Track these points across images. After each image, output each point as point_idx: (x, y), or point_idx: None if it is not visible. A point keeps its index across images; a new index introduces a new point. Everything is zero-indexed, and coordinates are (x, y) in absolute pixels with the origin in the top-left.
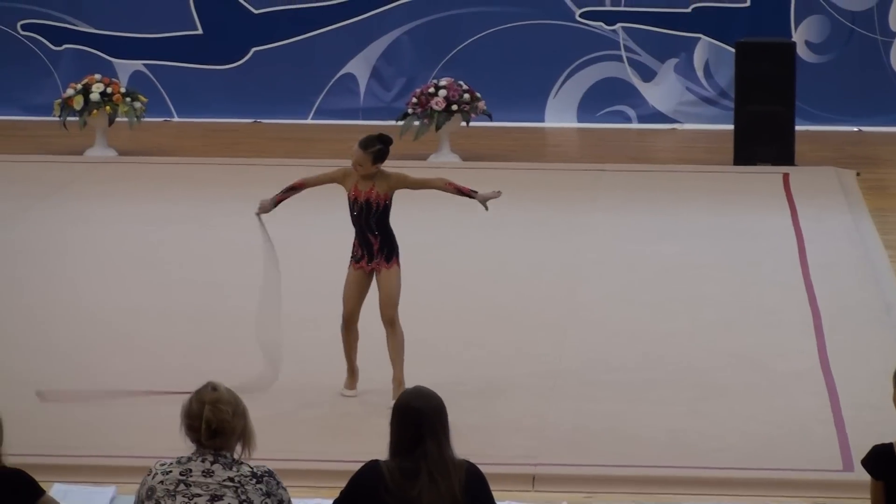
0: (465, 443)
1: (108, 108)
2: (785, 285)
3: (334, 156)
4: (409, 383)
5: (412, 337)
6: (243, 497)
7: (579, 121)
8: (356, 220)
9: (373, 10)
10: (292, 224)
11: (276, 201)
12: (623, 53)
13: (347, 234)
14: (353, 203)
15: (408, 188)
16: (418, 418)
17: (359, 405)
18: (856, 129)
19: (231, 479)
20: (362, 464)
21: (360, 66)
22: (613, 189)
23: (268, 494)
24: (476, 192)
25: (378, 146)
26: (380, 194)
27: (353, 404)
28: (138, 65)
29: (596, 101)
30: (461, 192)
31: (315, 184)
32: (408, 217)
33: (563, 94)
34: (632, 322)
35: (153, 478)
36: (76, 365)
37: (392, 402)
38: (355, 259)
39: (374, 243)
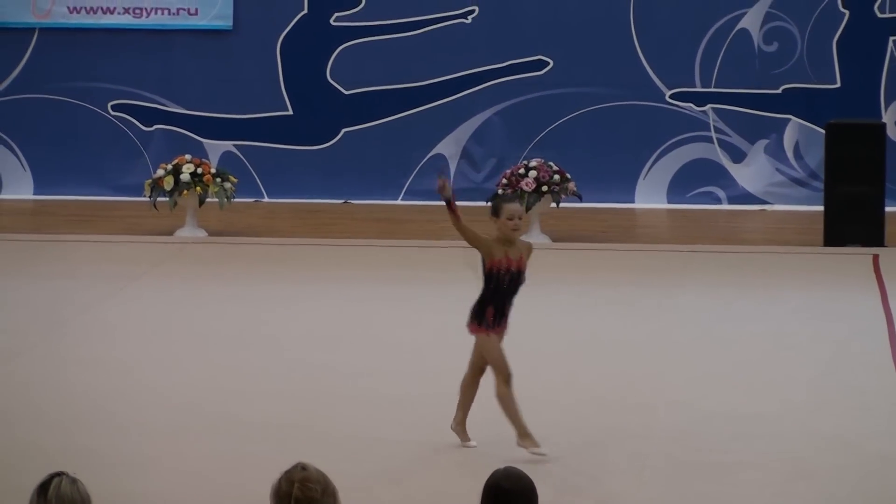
0: None
1: (198, 188)
2: (875, 366)
3: (425, 236)
4: (498, 463)
5: (497, 420)
6: None
7: (669, 202)
8: (502, 290)
9: (463, 90)
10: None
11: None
12: (713, 134)
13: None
14: (504, 272)
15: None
16: (507, 500)
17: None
18: None
19: None
20: None
21: (450, 147)
22: (704, 270)
23: None
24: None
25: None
26: (523, 261)
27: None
28: (228, 145)
29: (686, 181)
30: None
31: (465, 230)
32: None
33: (653, 175)
34: (722, 403)
35: None
36: (170, 446)
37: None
38: (489, 326)
39: (508, 311)
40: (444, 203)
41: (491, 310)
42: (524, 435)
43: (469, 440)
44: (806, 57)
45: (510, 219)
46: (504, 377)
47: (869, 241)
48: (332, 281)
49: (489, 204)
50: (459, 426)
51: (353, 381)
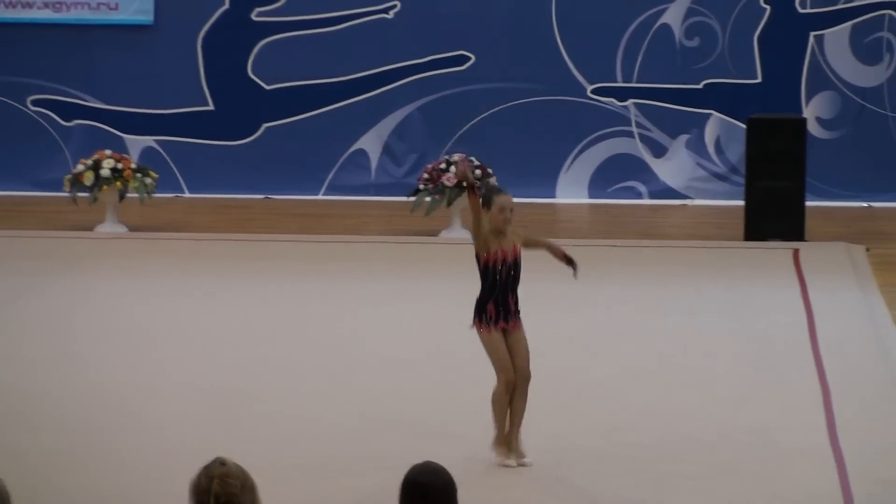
0: None
1: (118, 183)
2: (794, 360)
3: (345, 231)
4: (415, 460)
5: (411, 415)
6: None
7: (590, 196)
8: (500, 283)
9: (385, 85)
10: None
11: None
12: (634, 129)
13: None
14: (500, 265)
15: (524, 245)
16: (426, 495)
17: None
18: (865, 204)
19: None
20: None
21: (371, 142)
22: (624, 264)
23: None
24: (576, 263)
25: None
26: (518, 249)
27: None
28: (149, 141)
29: (607, 176)
30: (567, 260)
31: (477, 218)
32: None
33: (574, 170)
34: (642, 397)
35: None
36: (89, 442)
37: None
38: (492, 321)
39: (512, 303)
40: (466, 187)
41: (492, 305)
42: (500, 443)
43: (508, 459)
44: (727, 52)
45: (501, 210)
46: (503, 379)
47: (789, 236)
48: (252, 276)
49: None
50: (499, 446)
51: (274, 376)
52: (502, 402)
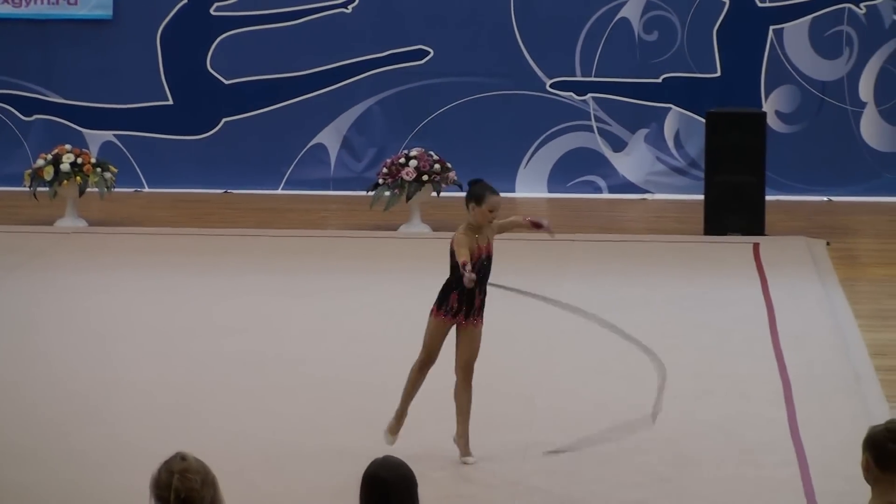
0: None
1: (78, 178)
2: (755, 355)
3: (304, 226)
4: (376, 454)
5: (372, 408)
6: None
7: (550, 191)
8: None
9: (343, 80)
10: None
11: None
12: (594, 124)
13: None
14: (476, 261)
15: (498, 232)
16: (385, 489)
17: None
18: (826, 198)
19: None
20: None
21: (330, 137)
22: (584, 259)
23: None
24: (545, 222)
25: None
26: (492, 246)
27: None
28: (109, 135)
29: (566, 171)
30: (535, 224)
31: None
32: (377, 289)
33: (533, 165)
34: (603, 391)
35: None
36: (49, 436)
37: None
38: (450, 312)
39: (478, 300)
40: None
41: (455, 296)
42: (395, 426)
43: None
44: (686, 46)
45: (491, 210)
46: (423, 357)
47: (749, 230)
48: (211, 271)
49: (462, 187)
50: (460, 439)
51: (233, 370)
52: (413, 379)
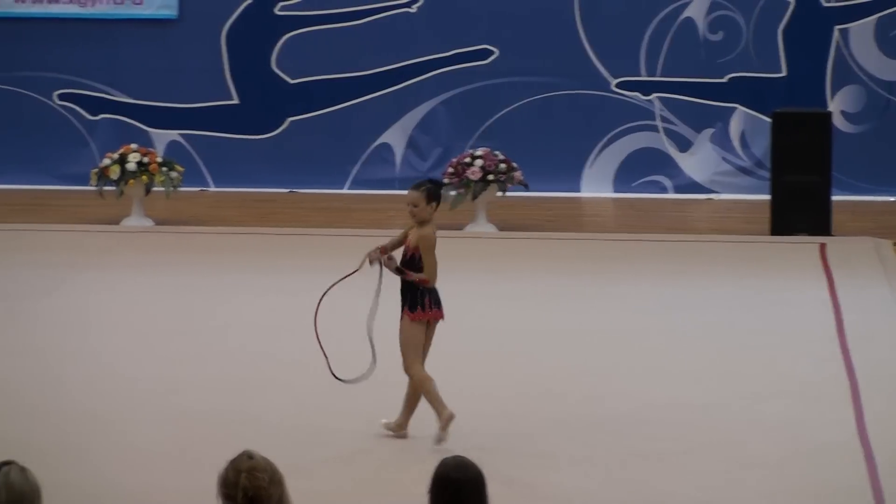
0: None
1: (144, 177)
2: (822, 356)
3: (370, 225)
4: (445, 455)
5: (450, 404)
6: None
7: (615, 191)
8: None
9: (409, 79)
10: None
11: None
12: (659, 123)
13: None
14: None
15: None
16: (457, 490)
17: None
18: (893, 198)
19: None
20: None
21: (396, 136)
22: (650, 259)
23: None
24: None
25: (427, 184)
26: (410, 244)
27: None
28: (174, 134)
29: (632, 171)
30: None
31: (393, 246)
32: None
33: (599, 164)
34: (668, 392)
35: None
36: (113, 435)
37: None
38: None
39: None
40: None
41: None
42: (402, 423)
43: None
44: (751, 46)
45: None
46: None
47: (816, 230)
48: (277, 270)
49: (427, 187)
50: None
51: (298, 370)
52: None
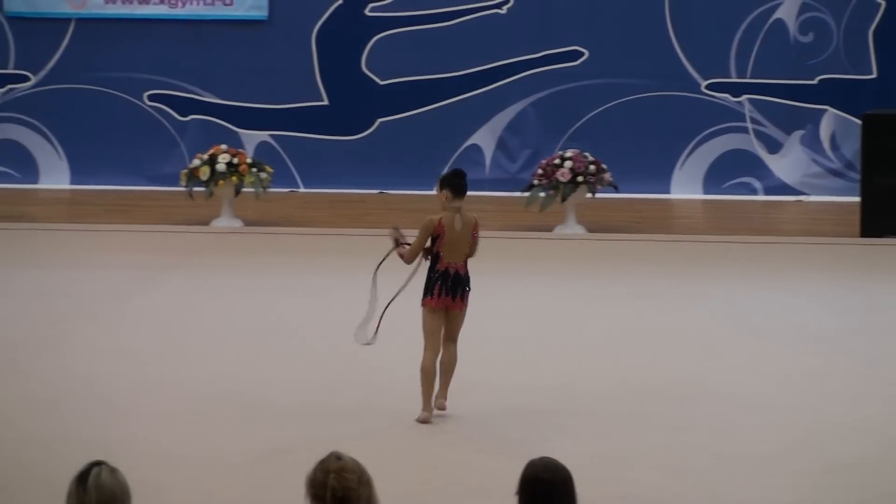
0: None
1: (234, 178)
2: None
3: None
4: (540, 455)
5: (540, 410)
6: None
7: (705, 192)
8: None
9: (498, 81)
10: None
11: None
12: (749, 125)
13: None
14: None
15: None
16: (548, 491)
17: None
18: None
19: None
20: None
21: (485, 138)
22: (739, 261)
23: None
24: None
25: (443, 174)
26: None
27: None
28: (264, 135)
29: (722, 172)
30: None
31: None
32: (532, 290)
33: (689, 166)
34: (758, 394)
35: None
36: (199, 435)
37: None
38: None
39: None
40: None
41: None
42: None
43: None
44: (842, 47)
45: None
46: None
47: None
48: (367, 271)
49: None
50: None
51: (388, 371)
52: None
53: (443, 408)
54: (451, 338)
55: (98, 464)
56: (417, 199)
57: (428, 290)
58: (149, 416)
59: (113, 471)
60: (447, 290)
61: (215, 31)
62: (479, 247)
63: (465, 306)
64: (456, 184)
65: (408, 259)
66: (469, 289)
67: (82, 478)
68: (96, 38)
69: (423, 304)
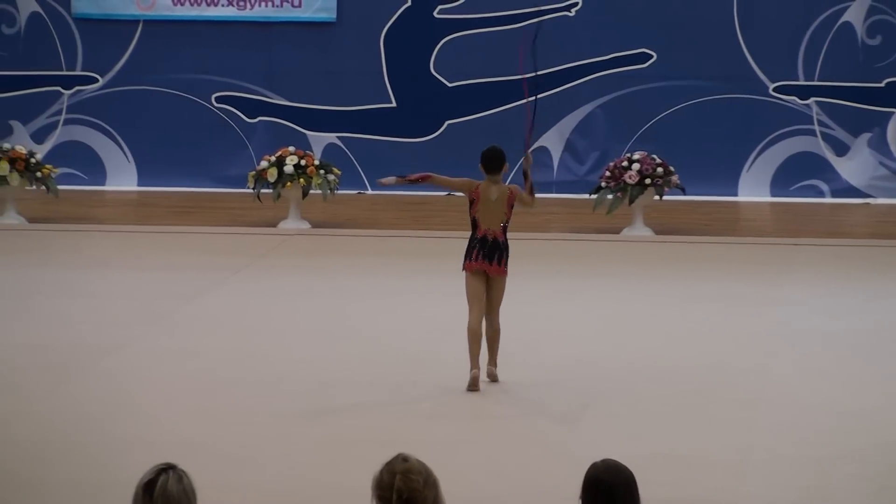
0: None
1: (301, 180)
2: None
3: (528, 228)
4: (599, 458)
5: (602, 411)
6: None
7: (772, 195)
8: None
9: (567, 83)
10: None
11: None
12: (816, 128)
13: None
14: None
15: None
16: (610, 493)
17: None
18: None
19: None
20: None
21: (553, 140)
22: (807, 263)
23: None
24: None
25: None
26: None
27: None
28: (332, 137)
29: (789, 175)
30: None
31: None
32: (600, 292)
33: (756, 168)
34: (824, 396)
35: None
36: (271, 435)
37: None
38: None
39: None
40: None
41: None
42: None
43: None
44: None
45: None
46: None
47: None
48: (434, 273)
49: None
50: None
51: (448, 370)
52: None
53: (493, 376)
54: (494, 307)
55: (166, 469)
56: None
57: (467, 254)
58: (216, 417)
59: (180, 477)
60: (484, 255)
61: (283, 33)
62: (535, 197)
63: (505, 273)
64: (486, 160)
65: (434, 180)
66: (507, 256)
67: (149, 486)
68: (164, 40)
69: (464, 269)
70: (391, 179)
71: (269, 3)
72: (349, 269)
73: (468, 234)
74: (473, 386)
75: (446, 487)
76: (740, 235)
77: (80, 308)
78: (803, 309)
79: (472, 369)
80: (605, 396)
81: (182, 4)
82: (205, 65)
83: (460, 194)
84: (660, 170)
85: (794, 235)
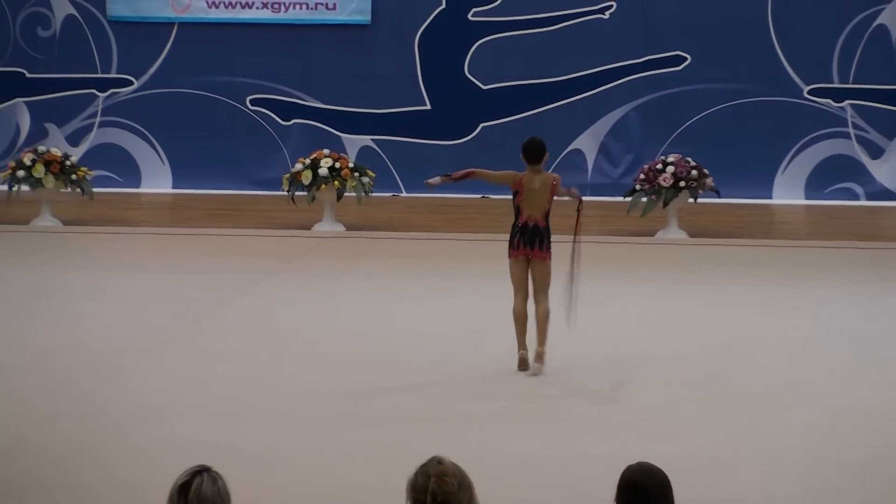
0: None
1: (336, 182)
2: None
3: (561, 231)
4: (636, 460)
5: (638, 411)
6: None
7: (807, 198)
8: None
9: (601, 86)
10: None
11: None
12: (851, 130)
13: None
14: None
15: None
16: (645, 495)
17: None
18: None
19: None
20: None
21: (587, 142)
22: (841, 266)
23: None
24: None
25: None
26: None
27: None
28: (366, 140)
29: (824, 178)
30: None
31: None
32: (634, 297)
33: (790, 171)
34: (859, 399)
35: None
36: (303, 438)
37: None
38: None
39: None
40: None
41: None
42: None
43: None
44: None
45: None
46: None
47: None
48: (469, 276)
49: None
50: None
51: (490, 376)
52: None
53: (541, 358)
54: (540, 289)
55: (201, 471)
56: None
57: (510, 243)
58: (251, 419)
59: (215, 480)
60: (525, 241)
61: (318, 36)
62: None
63: (549, 257)
64: (527, 151)
65: (479, 175)
66: (549, 240)
67: (184, 488)
68: (199, 43)
69: (509, 256)
70: (437, 180)
71: (304, 6)
72: (384, 272)
73: (504, 236)
74: (523, 365)
75: (480, 490)
76: (775, 238)
77: (116, 311)
78: (839, 311)
79: (519, 349)
80: (639, 399)
81: (217, 7)
82: (239, 67)
83: (493, 197)
84: (694, 172)
85: (829, 238)
